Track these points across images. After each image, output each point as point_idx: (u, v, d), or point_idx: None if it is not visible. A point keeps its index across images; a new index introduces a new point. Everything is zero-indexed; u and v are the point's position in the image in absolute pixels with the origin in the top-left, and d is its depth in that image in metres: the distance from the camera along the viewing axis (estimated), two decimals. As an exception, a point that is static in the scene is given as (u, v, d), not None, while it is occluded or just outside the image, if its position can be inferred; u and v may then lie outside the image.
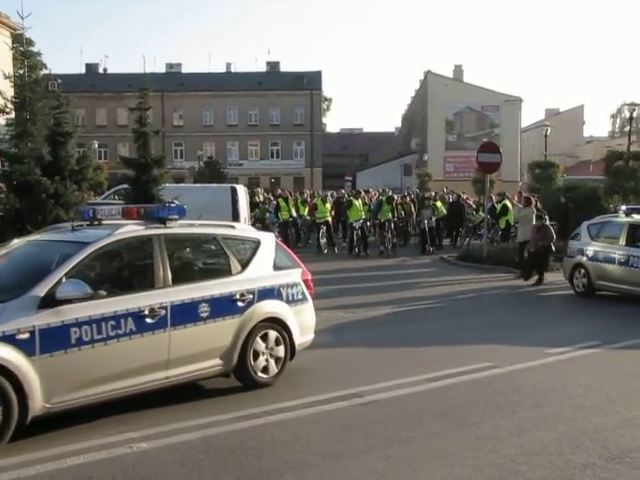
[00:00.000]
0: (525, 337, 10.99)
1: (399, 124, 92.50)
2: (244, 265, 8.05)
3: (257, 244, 8.38)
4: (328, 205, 25.75)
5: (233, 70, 71.60)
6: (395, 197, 25.95)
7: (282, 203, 25.13)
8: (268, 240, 8.68)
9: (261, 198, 29.84)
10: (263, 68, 71.83)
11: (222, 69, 71.69)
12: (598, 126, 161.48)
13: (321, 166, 69.19)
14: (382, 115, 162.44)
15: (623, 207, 16.07)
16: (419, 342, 10.70)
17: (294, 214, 25.17)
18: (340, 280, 17.53)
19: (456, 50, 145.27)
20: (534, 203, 18.92)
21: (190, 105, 67.15)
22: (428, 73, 66.99)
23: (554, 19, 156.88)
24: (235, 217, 21.41)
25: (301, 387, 7.92)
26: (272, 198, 30.09)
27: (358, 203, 24.04)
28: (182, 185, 28.27)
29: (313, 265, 20.34)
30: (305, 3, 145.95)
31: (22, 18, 14.56)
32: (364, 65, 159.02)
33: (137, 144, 15.83)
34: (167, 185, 17.11)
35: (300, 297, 8.50)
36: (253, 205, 26.08)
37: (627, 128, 30.32)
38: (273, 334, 8.01)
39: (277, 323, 8.10)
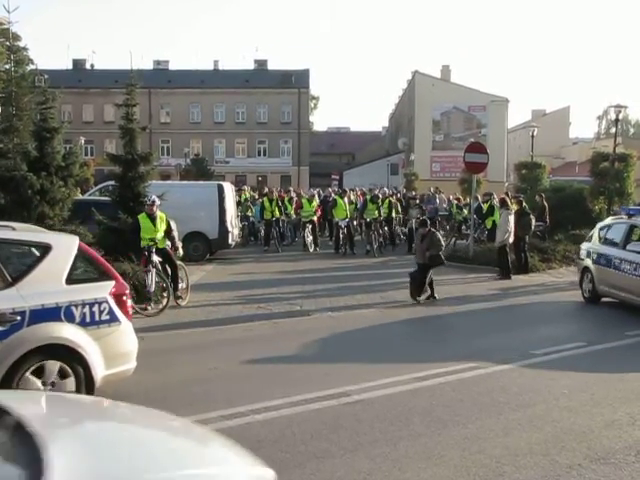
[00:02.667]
0: (511, 338, 11.03)
1: (386, 123, 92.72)
2: (17, 277, 6.30)
3: (44, 251, 6.58)
4: (314, 204, 25.69)
5: (221, 67, 71.35)
6: (379, 196, 25.89)
7: (266, 203, 25.05)
8: (64, 245, 6.87)
9: (247, 196, 29.79)
10: (251, 66, 71.61)
11: (210, 66, 71.40)
12: (584, 127, 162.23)
13: (308, 165, 69.13)
14: (369, 114, 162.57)
15: (629, 207, 15.81)
16: (405, 342, 10.72)
17: (277, 214, 25.04)
18: (327, 279, 17.53)
19: (443, 50, 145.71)
20: (510, 204, 18.87)
21: (177, 102, 66.91)
22: (416, 73, 67.07)
23: (541, 21, 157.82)
24: (222, 215, 21.44)
25: (288, 386, 7.88)
26: (257, 196, 30.06)
27: (343, 202, 24.06)
28: (169, 182, 28.31)
29: (300, 264, 20.55)
30: (293, 1, 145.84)
31: (8, 12, 14.45)
32: (352, 64, 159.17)
33: (124, 140, 15.80)
34: (154, 182, 17.11)
35: (105, 318, 6.75)
36: (238, 203, 26.06)
37: (613, 130, 30.53)
38: (55, 366, 6.34)
39: (63, 351, 6.40)
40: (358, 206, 26.33)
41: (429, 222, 15.48)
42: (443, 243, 15.24)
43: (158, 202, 13.49)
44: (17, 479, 2.28)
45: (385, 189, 33.13)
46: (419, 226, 15.71)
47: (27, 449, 2.41)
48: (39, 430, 2.63)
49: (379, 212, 24.15)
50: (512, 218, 17.95)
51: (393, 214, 25.64)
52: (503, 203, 18.76)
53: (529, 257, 18.83)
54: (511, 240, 17.85)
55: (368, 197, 24.95)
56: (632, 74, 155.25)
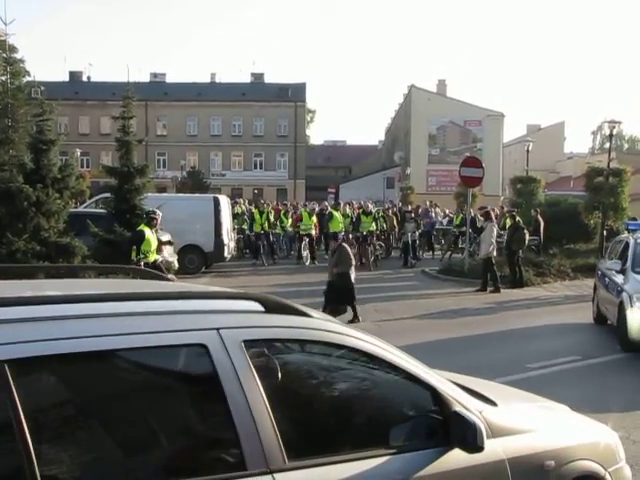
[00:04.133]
0: (506, 351, 11.03)
1: (383, 137, 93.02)
2: None
3: None
4: (314, 218, 25.54)
5: (217, 80, 71.60)
6: (370, 207, 25.84)
7: (257, 216, 24.91)
8: None
9: (243, 208, 29.76)
10: (248, 79, 71.84)
11: (206, 79, 71.62)
12: (579, 142, 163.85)
13: (304, 178, 69.26)
14: (366, 128, 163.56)
15: (629, 222, 15.40)
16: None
17: (266, 227, 24.88)
18: (321, 293, 17.47)
19: (439, 65, 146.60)
20: (493, 217, 18.91)
21: (174, 115, 67.00)
22: (412, 87, 67.38)
23: (536, 36, 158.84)
24: (217, 227, 21.43)
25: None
26: (252, 209, 30.04)
27: (338, 215, 24.10)
28: (165, 195, 28.25)
29: (296, 277, 20.52)
30: (291, 15, 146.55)
31: (5, 24, 14.54)
32: (348, 78, 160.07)
33: (120, 153, 15.83)
34: (150, 194, 17.11)
35: None
36: (234, 216, 26.02)
37: (607, 145, 30.68)
38: None
39: None
40: (354, 219, 26.25)
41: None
42: (353, 261, 13.34)
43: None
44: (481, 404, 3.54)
45: (366, 202, 32.02)
46: (330, 239, 14.22)
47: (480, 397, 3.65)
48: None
49: (376, 225, 24.14)
50: (496, 230, 18.06)
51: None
52: (487, 216, 18.78)
53: (524, 271, 18.87)
54: (495, 253, 17.90)
55: (361, 210, 24.92)
56: (626, 90, 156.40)
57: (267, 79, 71.91)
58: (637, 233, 13.56)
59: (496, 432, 3.35)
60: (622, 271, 11.95)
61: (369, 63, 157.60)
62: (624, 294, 11.22)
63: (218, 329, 2.76)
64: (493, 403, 3.65)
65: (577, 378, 9.26)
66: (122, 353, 2.62)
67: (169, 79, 70.85)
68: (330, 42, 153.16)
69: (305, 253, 24.44)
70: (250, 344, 2.82)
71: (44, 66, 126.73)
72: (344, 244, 13.74)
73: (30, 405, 2.29)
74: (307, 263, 24.08)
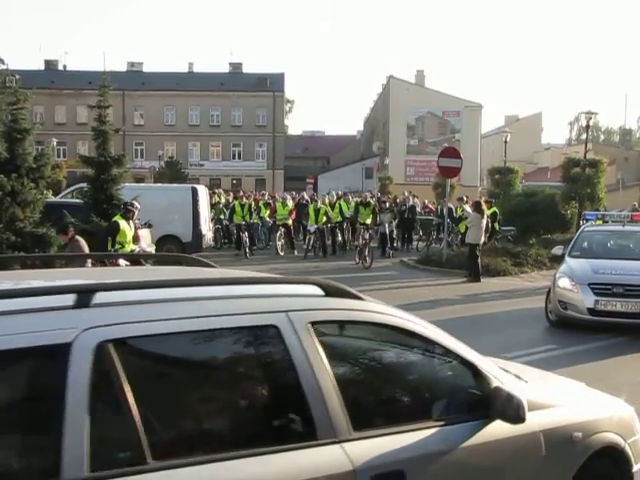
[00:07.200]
0: (482, 341, 11.02)
1: (361, 127, 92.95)
2: None
3: None
4: (289, 207, 25.42)
5: (195, 70, 71.10)
6: (369, 199, 25.76)
7: (237, 208, 24.70)
8: None
9: (222, 199, 29.55)
10: (226, 69, 71.41)
11: (184, 69, 71.13)
12: (556, 133, 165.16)
13: (283, 168, 69.10)
14: (344, 118, 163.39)
15: (587, 212, 15.91)
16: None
17: (248, 219, 24.66)
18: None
19: (418, 55, 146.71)
20: (483, 207, 18.98)
21: (151, 104, 66.46)
22: (390, 78, 67.38)
23: (514, 27, 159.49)
24: (195, 218, 21.30)
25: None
26: (232, 199, 29.86)
27: (312, 209, 24.22)
28: (142, 185, 28.06)
29: (271, 267, 20.45)
30: (269, 5, 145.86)
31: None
32: (327, 68, 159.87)
33: (97, 142, 15.66)
34: (127, 185, 16.96)
35: None
36: (212, 206, 25.86)
37: (584, 136, 30.95)
38: None
39: None
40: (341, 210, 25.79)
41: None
42: (88, 249, 11.08)
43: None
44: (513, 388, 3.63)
45: (335, 192, 31.73)
46: (59, 232, 11.80)
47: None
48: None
49: (374, 217, 23.02)
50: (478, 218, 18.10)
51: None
52: (477, 206, 18.78)
53: (502, 261, 19.01)
54: (483, 240, 17.99)
55: (358, 200, 24.37)
56: (603, 82, 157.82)
57: (245, 69, 71.58)
58: (588, 223, 14.44)
59: (530, 406, 3.56)
60: (562, 256, 13.12)
61: (348, 53, 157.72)
62: (556, 275, 12.43)
63: (287, 311, 3.06)
64: (523, 380, 3.99)
65: (554, 367, 9.29)
66: (210, 333, 2.93)
67: (146, 68, 70.26)
68: (309, 32, 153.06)
69: (279, 243, 24.33)
70: (315, 325, 3.12)
71: (19, 54, 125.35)
72: (77, 237, 11.35)
73: (134, 382, 2.58)
74: (281, 253, 24.01)
